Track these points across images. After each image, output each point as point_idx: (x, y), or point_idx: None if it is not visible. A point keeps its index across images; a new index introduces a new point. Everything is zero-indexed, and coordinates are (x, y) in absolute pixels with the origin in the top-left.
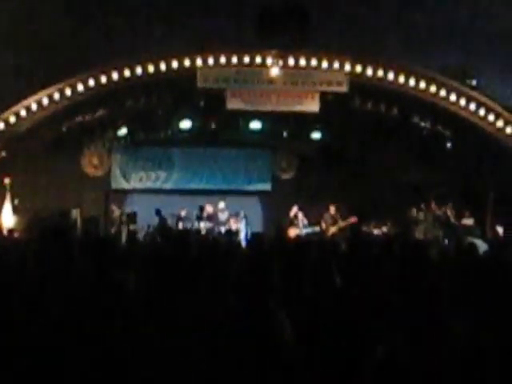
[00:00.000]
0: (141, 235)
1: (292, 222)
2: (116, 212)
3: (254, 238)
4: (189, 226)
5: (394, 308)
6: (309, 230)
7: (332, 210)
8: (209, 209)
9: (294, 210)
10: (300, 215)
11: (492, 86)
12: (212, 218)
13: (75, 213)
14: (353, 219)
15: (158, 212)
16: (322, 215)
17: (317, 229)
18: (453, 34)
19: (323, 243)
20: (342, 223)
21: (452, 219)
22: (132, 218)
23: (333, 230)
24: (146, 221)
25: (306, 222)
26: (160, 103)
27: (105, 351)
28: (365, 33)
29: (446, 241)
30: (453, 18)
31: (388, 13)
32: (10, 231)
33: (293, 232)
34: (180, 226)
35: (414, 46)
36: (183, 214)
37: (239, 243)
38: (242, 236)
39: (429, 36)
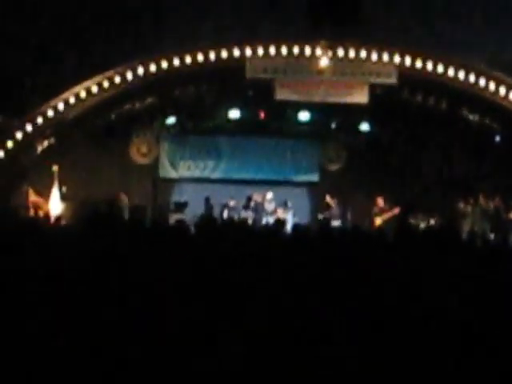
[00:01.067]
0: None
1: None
2: (124, 200)
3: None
4: (235, 215)
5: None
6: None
7: (380, 201)
8: (256, 198)
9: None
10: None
11: None
12: (259, 207)
13: (123, 200)
14: (396, 210)
15: (207, 200)
16: (371, 207)
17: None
18: (507, 25)
19: (370, 235)
20: (385, 215)
21: (500, 212)
22: (180, 207)
23: (378, 221)
24: (193, 210)
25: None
26: (209, 92)
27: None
28: (416, 24)
29: (493, 235)
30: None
31: (440, 4)
32: (58, 219)
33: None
34: (225, 214)
35: (466, 38)
36: (232, 203)
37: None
38: (288, 226)
39: (482, 28)
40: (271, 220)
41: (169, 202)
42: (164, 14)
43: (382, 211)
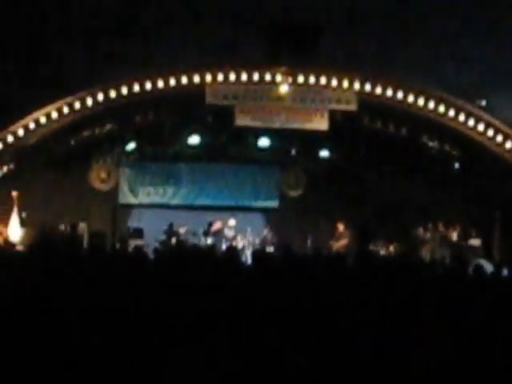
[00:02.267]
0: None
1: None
2: (83, 227)
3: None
4: (196, 241)
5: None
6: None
7: (340, 227)
8: (216, 225)
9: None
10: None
11: (503, 107)
12: (218, 234)
13: (82, 227)
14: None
15: (170, 226)
16: (332, 233)
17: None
18: (464, 54)
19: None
20: (340, 241)
21: (460, 239)
22: (137, 233)
23: (334, 246)
24: (153, 236)
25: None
26: (169, 118)
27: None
28: (375, 51)
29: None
30: (463, 37)
31: (398, 31)
32: (13, 245)
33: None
34: (173, 241)
35: (423, 65)
36: (181, 231)
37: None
38: (248, 253)
39: (439, 55)
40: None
41: (128, 228)
42: (124, 40)
43: (340, 237)
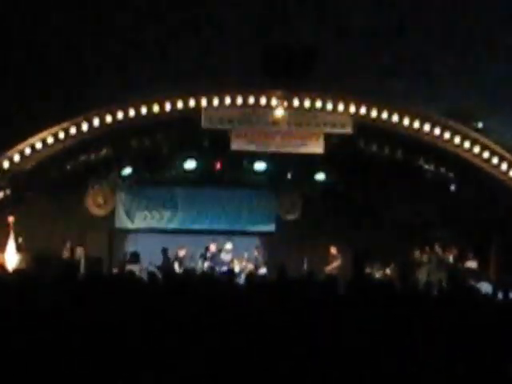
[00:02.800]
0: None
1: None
2: (80, 252)
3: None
4: (192, 265)
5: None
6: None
7: (333, 250)
8: (212, 248)
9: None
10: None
11: (499, 129)
12: (215, 258)
13: (79, 252)
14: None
15: (164, 251)
16: (327, 256)
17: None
18: (460, 76)
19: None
20: (333, 264)
21: (456, 262)
22: (134, 257)
23: (327, 269)
24: (151, 261)
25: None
26: (165, 143)
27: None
28: (370, 74)
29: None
30: (459, 59)
31: (394, 53)
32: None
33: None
34: (176, 266)
35: (419, 88)
36: (181, 253)
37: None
38: (243, 277)
39: (434, 78)
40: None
41: (125, 252)
42: (119, 65)
43: (333, 260)
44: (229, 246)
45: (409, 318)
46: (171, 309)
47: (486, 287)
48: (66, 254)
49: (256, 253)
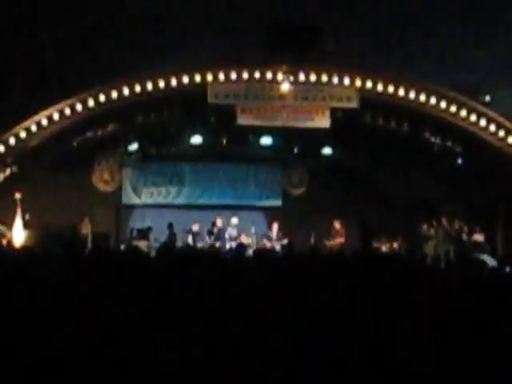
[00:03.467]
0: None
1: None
2: (88, 227)
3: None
4: (199, 241)
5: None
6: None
7: (337, 225)
8: (219, 223)
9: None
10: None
11: (508, 102)
12: (221, 233)
13: (87, 226)
14: (341, 240)
15: (170, 226)
16: (330, 230)
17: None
18: (467, 49)
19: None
20: (336, 241)
21: (463, 235)
22: (143, 233)
23: (329, 244)
24: (157, 236)
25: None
26: (171, 118)
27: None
28: (375, 48)
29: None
30: (466, 33)
31: (399, 27)
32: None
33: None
34: (189, 240)
35: (426, 61)
36: (195, 228)
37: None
38: (251, 251)
39: (442, 51)
40: (234, 245)
41: (132, 228)
42: (125, 41)
43: (336, 234)
44: (235, 220)
45: (415, 289)
46: (174, 284)
47: (489, 260)
48: (83, 229)
49: (275, 228)
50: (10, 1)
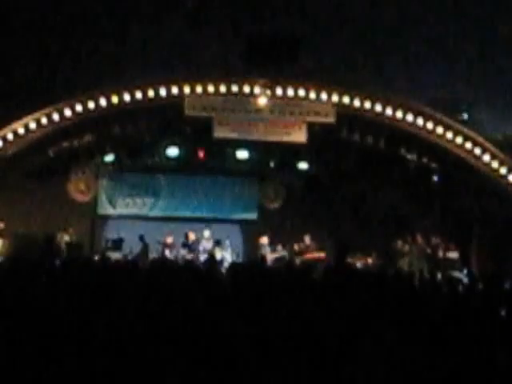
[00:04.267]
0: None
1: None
2: (64, 237)
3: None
4: (174, 253)
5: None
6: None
7: (307, 239)
8: (191, 236)
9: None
10: (266, 241)
11: (485, 121)
12: (195, 246)
13: (59, 238)
14: (321, 255)
15: (141, 238)
16: (298, 242)
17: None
18: (444, 66)
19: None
20: (309, 255)
21: (438, 252)
22: (116, 244)
23: (300, 258)
24: (131, 248)
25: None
26: (147, 130)
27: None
28: (353, 63)
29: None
30: (444, 49)
31: (377, 42)
32: None
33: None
34: (167, 253)
35: (404, 77)
36: (169, 240)
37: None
38: (226, 265)
39: (419, 67)
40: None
41: (108, 239)
42: (102, 52)
43: (306, 249)
44: (207, 233)
45: (390, 305)
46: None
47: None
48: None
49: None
50: None
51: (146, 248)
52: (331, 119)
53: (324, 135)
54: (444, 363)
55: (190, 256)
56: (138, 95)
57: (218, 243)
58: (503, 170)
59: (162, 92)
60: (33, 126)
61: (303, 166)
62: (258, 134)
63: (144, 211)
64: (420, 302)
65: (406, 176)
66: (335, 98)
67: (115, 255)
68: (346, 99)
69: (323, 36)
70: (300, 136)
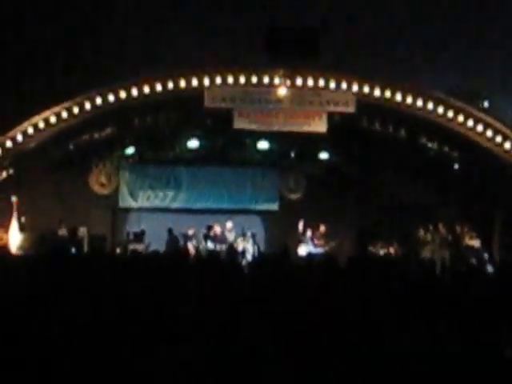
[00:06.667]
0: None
1: (300, 240)
2: (83, 231)
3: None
4: (196, 245)
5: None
6: (318, 249)
7: (322, 228)
8: (216, 228)
9: (301, 225)
10: (308, 232)
11: (506, 108)
12: (219, 237)
13: (82, 231)
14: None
15: (169, 231)
16: (313, 233)
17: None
18: (466, 54)
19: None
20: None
21: (461, 240)
22: (139, 236)
23: (302, 248)
24: (153, 240)
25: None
26: (167, 122)
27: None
28: (373, 53)
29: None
30: (464, 36)
31: (398, 31)
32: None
33: (302, 250)
34: (189, 245)
35: (425, 66)
36: (190, 232)
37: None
38: (248, 256)
39: (440, 56)
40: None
41: (129, 231)
42: (123, 43)
43: (321, 237)
44: (229, 224)
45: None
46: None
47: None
48: (61, 232)
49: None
50: None
51: (175, 240)
52: (351, 109)
53: (344, 125)
54: (468, 351)
55: (218, 247)
56: (158, 87)
57: (243, 235)
58: None
59: (182, 84)
60: (53, 119)
61: (324, 156)
62: (278, 125)
63: (165, 203)
64: (442, 290)
65: (427, 164)
66: (355, 87)
67: (138, 247)
68: (366, 89)
69: (344, 25)
70: (320, 126)
